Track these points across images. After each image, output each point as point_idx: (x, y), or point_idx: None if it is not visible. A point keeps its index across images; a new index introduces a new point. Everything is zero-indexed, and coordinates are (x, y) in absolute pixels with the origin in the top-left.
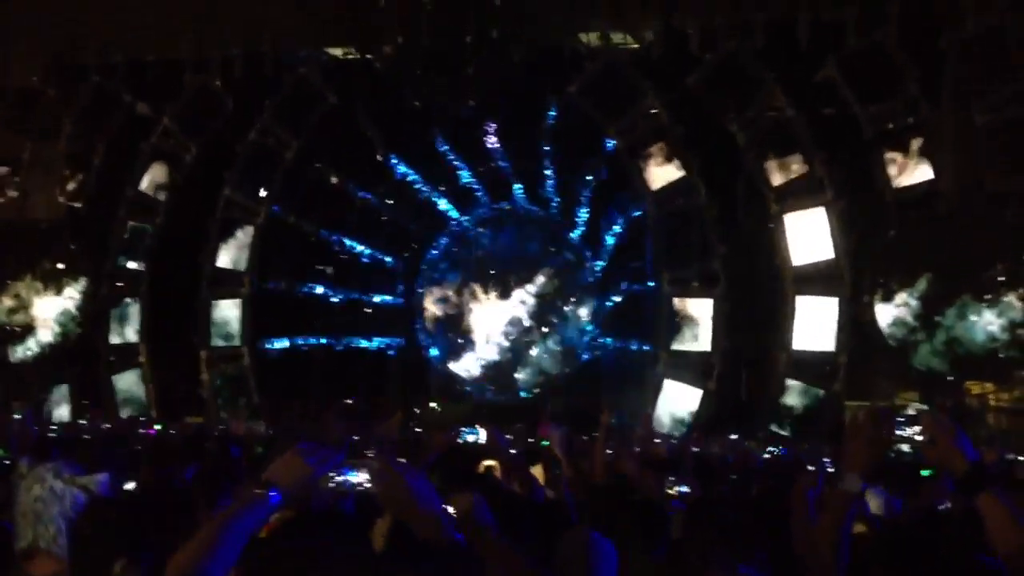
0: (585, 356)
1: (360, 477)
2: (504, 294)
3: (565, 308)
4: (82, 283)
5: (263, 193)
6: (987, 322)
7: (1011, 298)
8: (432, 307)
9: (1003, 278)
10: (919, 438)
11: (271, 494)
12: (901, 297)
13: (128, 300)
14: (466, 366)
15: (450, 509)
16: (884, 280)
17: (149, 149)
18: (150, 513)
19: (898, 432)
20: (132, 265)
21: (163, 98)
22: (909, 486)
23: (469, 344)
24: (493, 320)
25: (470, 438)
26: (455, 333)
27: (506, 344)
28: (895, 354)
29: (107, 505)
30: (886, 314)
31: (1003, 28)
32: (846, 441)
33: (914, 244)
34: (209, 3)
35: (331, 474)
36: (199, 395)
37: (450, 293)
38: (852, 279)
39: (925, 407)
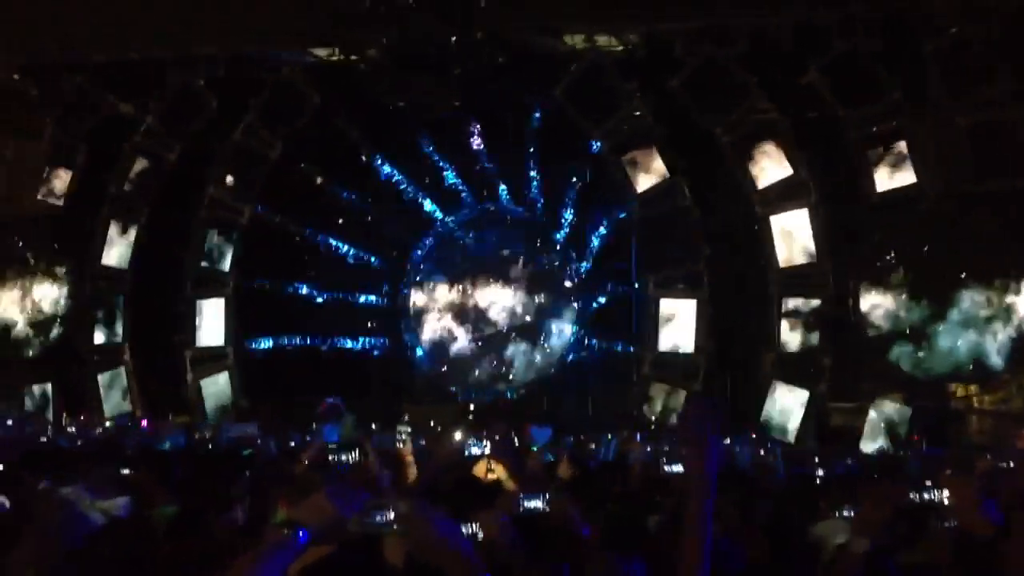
0: (570, 358)
1: (387, 518)
2: (489, 295)
3: (550, 309)
4: (65, 283)
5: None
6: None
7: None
8: (417, 308)
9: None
10: (947, 502)
11: (299, 534)
12: (885, 299)
13: (112, 300)
14: (451, 367)
15: (477, 530)
16: (868, 282)
17: (132, 148)
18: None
19: (925, 496)
20: (115, 264)
21: (145, 97)
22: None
23: (454, 345)
24: (478, 321)
25: (475, 451)
26: (440, 334)
27: (491, 345)
28: (879, 355)
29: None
30: (870, 316)
31: (986, 31)
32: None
33: (898, 246)
34: (191, 2)
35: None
36: (184, 395)
37: (435, 294)
38: (836, 281)
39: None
